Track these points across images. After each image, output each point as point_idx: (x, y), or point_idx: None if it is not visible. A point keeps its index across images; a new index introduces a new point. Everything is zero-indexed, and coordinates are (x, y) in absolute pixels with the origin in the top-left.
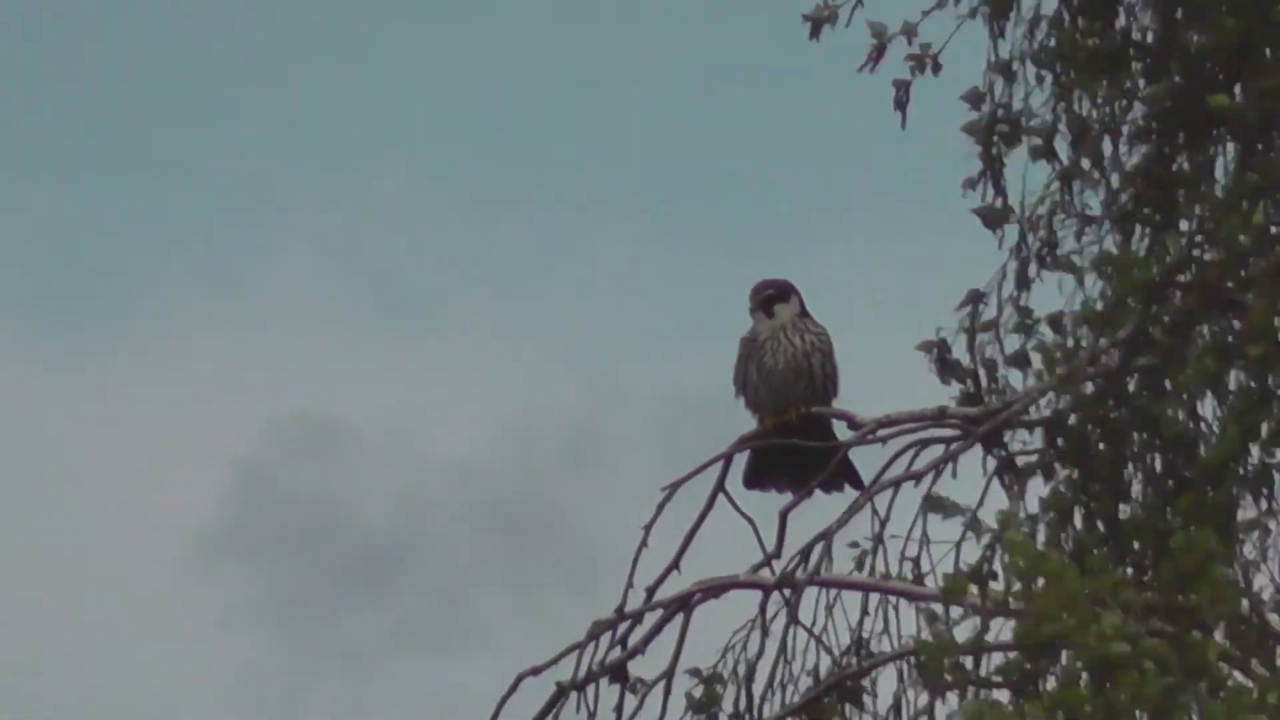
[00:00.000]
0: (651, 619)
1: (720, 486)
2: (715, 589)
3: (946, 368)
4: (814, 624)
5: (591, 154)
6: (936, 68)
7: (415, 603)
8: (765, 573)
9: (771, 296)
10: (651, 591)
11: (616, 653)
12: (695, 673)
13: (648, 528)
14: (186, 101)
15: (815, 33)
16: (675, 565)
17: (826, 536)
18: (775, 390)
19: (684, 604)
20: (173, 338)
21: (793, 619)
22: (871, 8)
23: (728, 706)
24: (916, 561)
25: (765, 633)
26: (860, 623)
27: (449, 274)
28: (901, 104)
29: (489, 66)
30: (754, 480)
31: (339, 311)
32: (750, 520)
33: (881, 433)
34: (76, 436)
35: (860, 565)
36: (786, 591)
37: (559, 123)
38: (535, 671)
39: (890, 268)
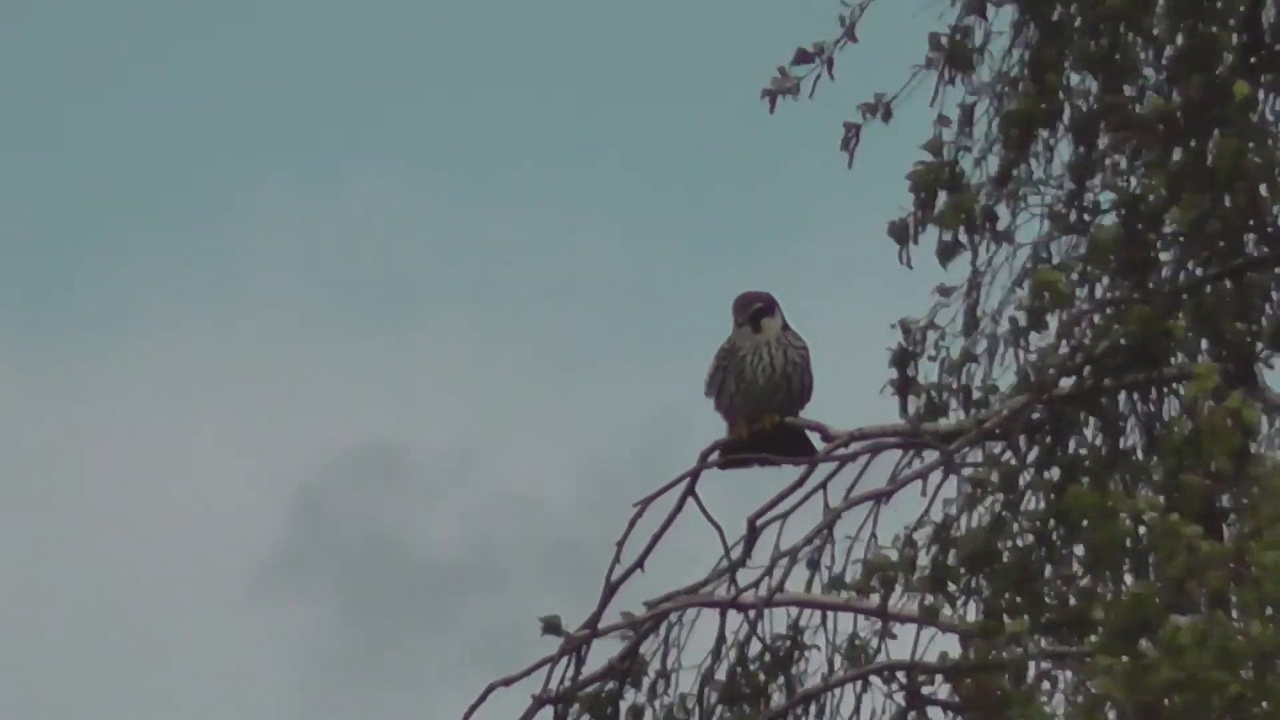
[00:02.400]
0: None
1: (690, 491)
2: (686, 605)
3: (908, 385)
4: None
5: (569, 154)
6: (888, 115)
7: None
8: (724, 589)
9: (759, 310)
10: (612, 589)
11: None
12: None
13: (620, 544)
14: (173, 101)
15: (773, 106)
16: (639, 565)
17: (792, 553)
18: (753, 401)
19: (659, 622)
20: (174, 347)
21: (751, 635)
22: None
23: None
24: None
25: (722, 644)
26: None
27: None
28: (849, 145)
29: (470, 68)
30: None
31: (319, 312)
32: (718, 526)
33: (854, 445)
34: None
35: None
36: (751, 612)
37: (542, 124)
38: (507, 683)
39: (860, 281)
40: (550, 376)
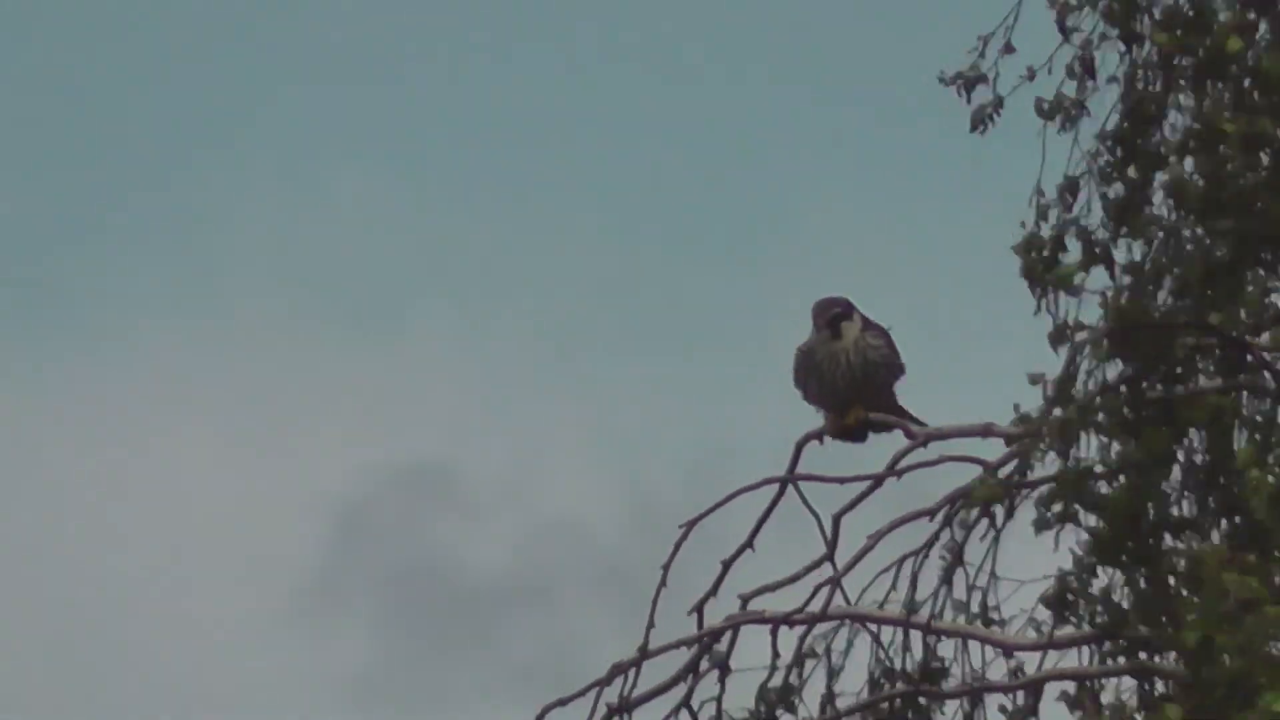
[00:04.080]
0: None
1: (790, 477)
2: (744, 622)
3: None
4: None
5: (552, 157)
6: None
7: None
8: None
9: (838, 315)
10: (726, 565)
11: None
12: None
13: (665, 568)
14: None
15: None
16: (749, 544)
17: (835, 581)
18: (839, 398)
19: (714, 640)
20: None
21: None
22: None
23: None
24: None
25: (776, 658)
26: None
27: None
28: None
29: (455, 67)
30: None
31: (317, 315)
32: (816, 514)
33: (932, 444)
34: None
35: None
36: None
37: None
38: (561, 703)
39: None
40: (577, 390)
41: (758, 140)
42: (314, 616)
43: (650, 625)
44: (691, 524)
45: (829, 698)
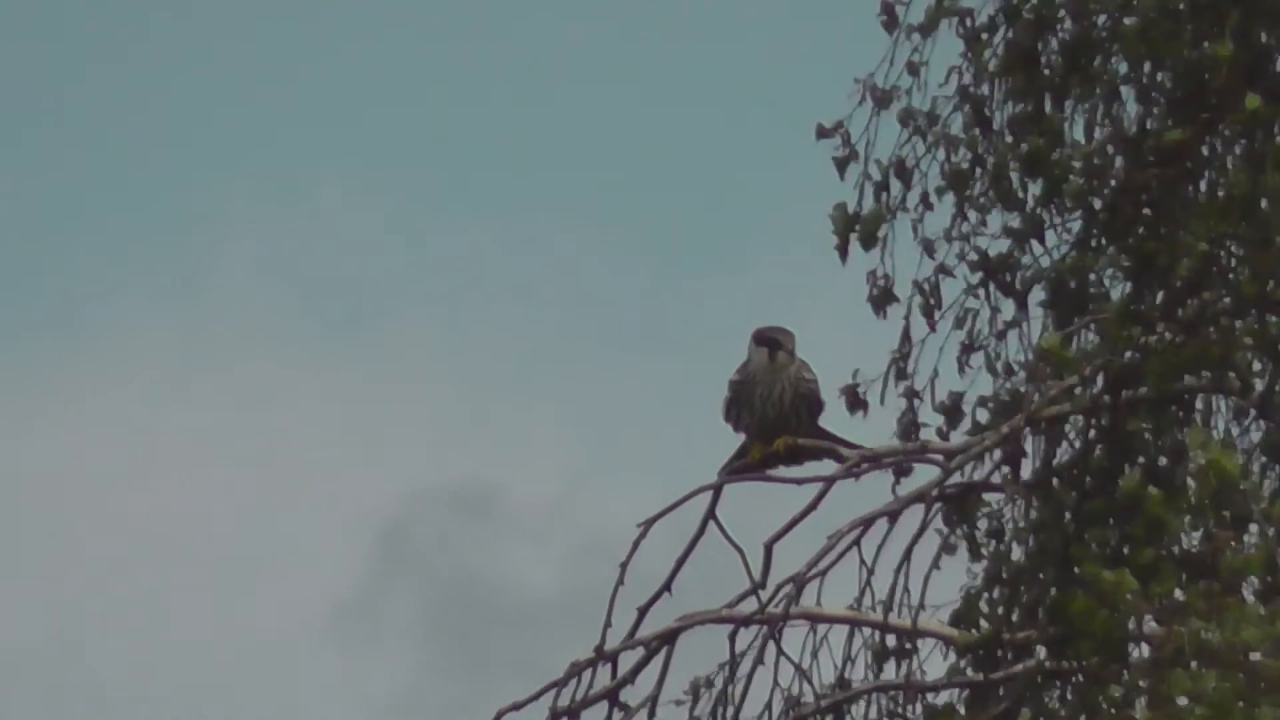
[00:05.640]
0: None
1: (711, 514)
2: (697, 623)
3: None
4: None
5: (533, 168)
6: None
7: None
8: (744, 607)
9: (777, 342)
10: (643, 612)
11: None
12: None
13: (624, 566)
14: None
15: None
16: (667, 588)
17: (797, 580)
18: (766, 428)
19: (668, 640)
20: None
21: (779, 652)
22: None
23: None
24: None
25: (734, 665)
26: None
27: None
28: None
29: (438, 78)
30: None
31: (287, 327)
32: (739, 549)
33: (864, 466)
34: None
35: None
36: (764, 627)
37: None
38: (516, 707)
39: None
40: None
41: (746, 148)
42: (353, 637)
43: (607, 624)
44: (649, 523)
45: (793, 701)
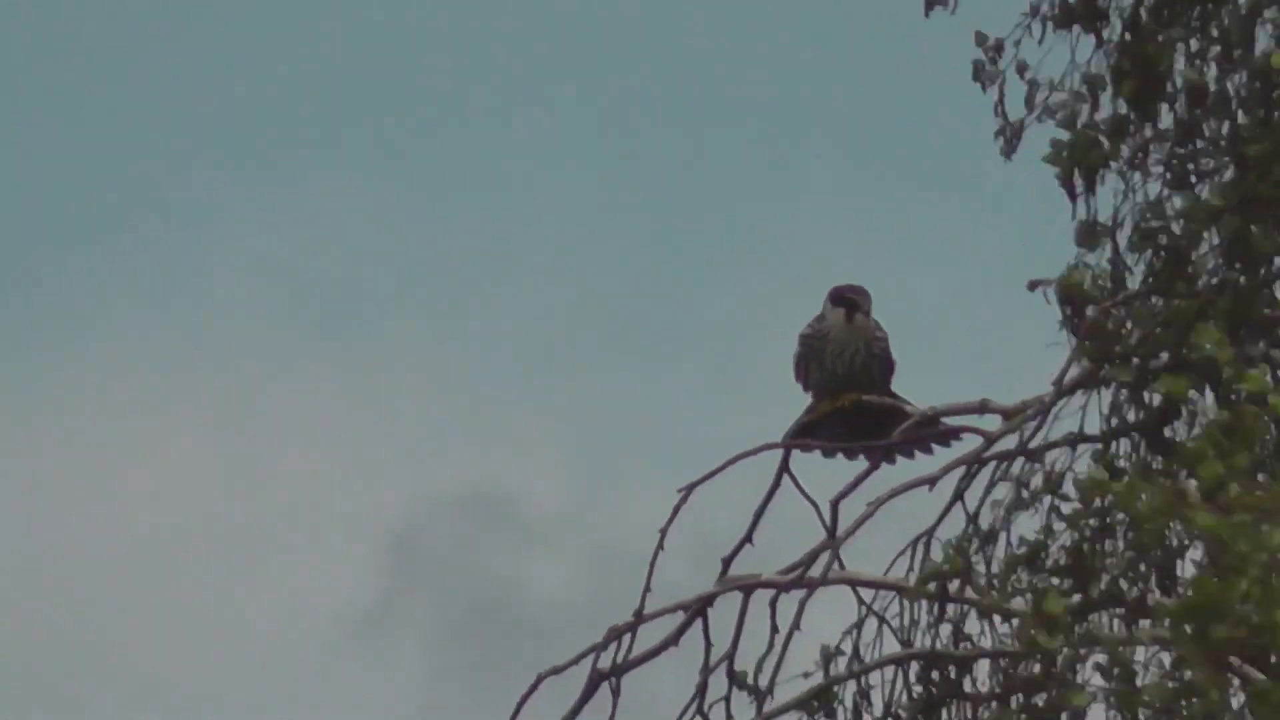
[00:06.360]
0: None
1: (784, 468)
2: (735, 587)
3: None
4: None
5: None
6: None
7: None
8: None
9: (855, 303)
10: (727, 562)
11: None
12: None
13: (663, 531)
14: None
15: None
16: (748, 539)
17: (832, 547)
18: (835, 384)
19: (706, 605)
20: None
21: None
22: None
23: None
24: None
25: (774, 630)
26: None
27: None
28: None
29: (432, 77)
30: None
31: (287, 328)
32: (814, 502)
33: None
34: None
35: None
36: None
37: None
38: (556, 671)
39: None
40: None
41: (737, 149)
42: (368, 648)
43: (647, 589)
44: (690, 488)
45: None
